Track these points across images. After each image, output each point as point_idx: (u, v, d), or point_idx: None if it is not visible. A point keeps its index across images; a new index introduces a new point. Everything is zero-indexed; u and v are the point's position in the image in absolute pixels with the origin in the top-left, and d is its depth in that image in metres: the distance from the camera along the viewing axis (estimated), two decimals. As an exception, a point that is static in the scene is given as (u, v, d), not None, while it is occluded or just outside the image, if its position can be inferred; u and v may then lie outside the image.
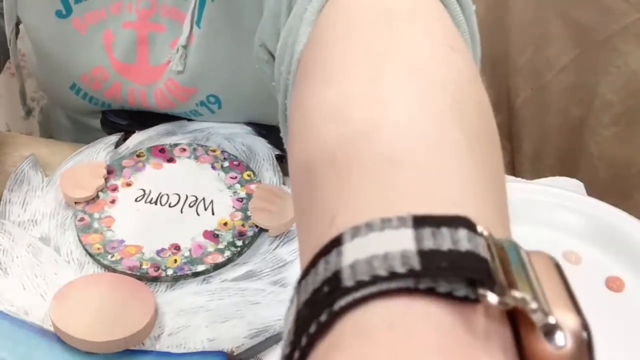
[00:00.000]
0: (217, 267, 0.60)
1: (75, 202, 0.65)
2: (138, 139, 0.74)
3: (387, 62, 0.32)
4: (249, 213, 0.64)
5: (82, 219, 0.63)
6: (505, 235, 0.26)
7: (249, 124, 0.77)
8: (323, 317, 0.22)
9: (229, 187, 0.67)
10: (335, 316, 0.22)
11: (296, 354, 0.23)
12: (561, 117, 1.14)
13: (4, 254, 0.60)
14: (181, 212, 0.65)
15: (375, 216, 0.24)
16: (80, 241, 0.62)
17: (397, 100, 0.30)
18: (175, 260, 0.60)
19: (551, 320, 0.21)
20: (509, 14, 1.11)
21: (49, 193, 0.67)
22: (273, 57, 0.45)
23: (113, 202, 0.65)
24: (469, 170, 0.28)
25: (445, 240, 0.23)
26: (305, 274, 0.25)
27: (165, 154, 0.71)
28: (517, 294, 0.22)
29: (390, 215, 0.24)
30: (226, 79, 0.71)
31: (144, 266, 0.59)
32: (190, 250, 0.61)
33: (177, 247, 0.61)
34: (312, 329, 0.23)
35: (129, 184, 0.67)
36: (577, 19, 1.04)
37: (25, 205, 0.65)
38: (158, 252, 0.61)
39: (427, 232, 0.23)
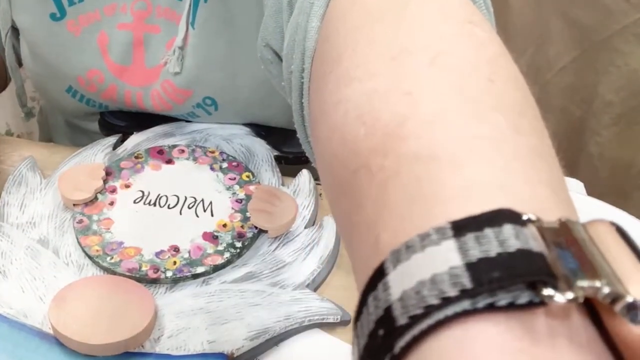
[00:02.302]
0: (217, 268, 0.60)
1: (74, 204, 0.64)
2: (136, 140, 0.74)
3: (408, 52, 0.30)
4: (248, 214, 0.64)
5: (80, 221, 0.63)
6: (564, 209, 0.24)
7: (247, 124, 0.77)
8: None
9: (228, 188, 0.67)
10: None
11: None
12: (561, 117, 1.13)
13: (3, 257, 0.60)
14: (180, 213, 0.64)
15: (415, 228, 0.23)
16: (79, 243, 0.61)
17: (425, 90, 0.28)
18: (175, 262, 0.60)
19: (629, 299, 0.19)
20: (509, 14, 1.11)
21: (47, 195, 0.67)
22: (278, 56, 0.44)
23: (112, 203, 0.65)
24: (514, 150, 0.26)
25: (491, 243, 0.21)
26: (358, 313, 0.23)
27: (163, 155, 0.71)
28: (583, 283, 0.20)
29: (428, 225, 0.22)
30: (222, 80, 0.71)
31: (143, 268, 0.59)
32: (189, 252, 0.61)
33: (176, 249, 0.61)
34: None
35: (127, 186, 0.67)
36: (577, 19, 1.04)
37: (24, 208, 0.65)
38: (157, 254, 0.60)
39: (469, 238, 0.21)
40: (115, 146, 0.73)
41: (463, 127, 0.26)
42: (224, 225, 0.63)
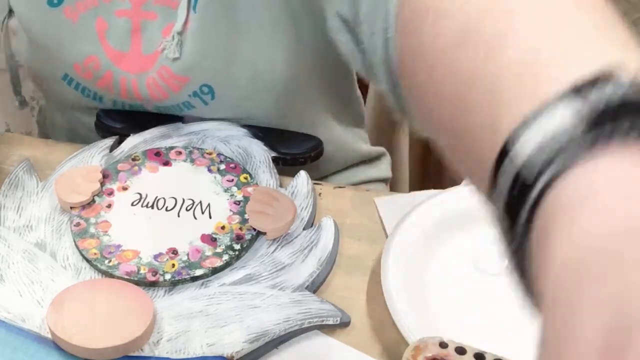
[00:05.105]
0: (215, 271, 0.60)
1: (71, 207, 0.64)
2: (133, 142, 0.73)
3: None
4: (246, 216, 0.64)
5: (78, 224, 0.63)
6: None
7: (244, 126, 0.77)
8: (529, 203, 0.26)
9: (226, 190, 0.67)
10: (540, 198, 0.25)
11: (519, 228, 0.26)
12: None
13: (0, 261, 0.60)
14: (178, 215, 0.64)
15: (529, 103, 0.27)
16: (77, 246, 0.61)
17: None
18: (173, 265, 0.59)
19: None
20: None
21: (43, 198, 0.66)
22: (347, 24, 0.47)
23: (109, 206, 0.65)
24: (602, 27, 0.33)
25: (607, 87, 0.25)
26: (491, 188, 0.28)
27: (161, 157, 0.70)
28: None
29: (539, 98, 0.27)
30: (220, 68, 0.71)
31: (142, 271, 0.59)
32: (188, 255, 0.60)
33: (174, 252, 0.61)
34: (523, 216, 0.26)
35: (125, 188, 0.67)
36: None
37: (20, 211, 0.65)
38: (155, 257, 0.60)
39: (583, 95, 0.26)
40: (112, 148, 0.73)
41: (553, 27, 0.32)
42: (222, 227, 0.63)
